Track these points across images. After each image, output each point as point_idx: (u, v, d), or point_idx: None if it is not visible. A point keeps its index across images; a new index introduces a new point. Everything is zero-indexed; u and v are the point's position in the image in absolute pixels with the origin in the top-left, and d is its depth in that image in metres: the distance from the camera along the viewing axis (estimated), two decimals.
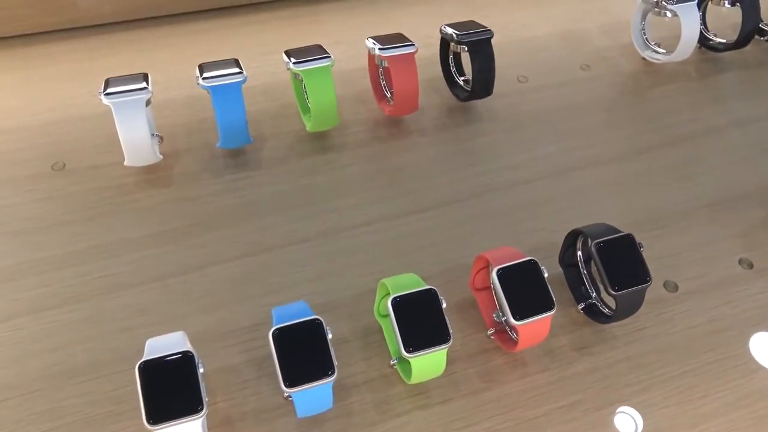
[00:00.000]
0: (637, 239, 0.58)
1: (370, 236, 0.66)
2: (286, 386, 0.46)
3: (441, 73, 0.81)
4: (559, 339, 0.59)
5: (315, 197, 0.69)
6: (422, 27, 0.83)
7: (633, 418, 0.55)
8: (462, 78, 0.79)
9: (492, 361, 0.57)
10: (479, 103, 0.80)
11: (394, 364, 0.54)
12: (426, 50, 0.82)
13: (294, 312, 0.50)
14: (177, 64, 0.80)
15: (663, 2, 0.80)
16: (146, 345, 0.47)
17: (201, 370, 0.46)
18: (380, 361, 0.56)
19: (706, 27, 0.89)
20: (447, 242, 0.66)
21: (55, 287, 0.59)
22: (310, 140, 0.74)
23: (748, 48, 0.88)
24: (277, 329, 0.48)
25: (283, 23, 0.89)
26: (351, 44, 0.85)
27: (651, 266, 0.63)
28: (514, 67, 0.85)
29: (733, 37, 0.86)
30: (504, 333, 0.57)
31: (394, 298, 0.50)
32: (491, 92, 0.76)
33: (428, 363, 0.51)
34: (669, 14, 0.81)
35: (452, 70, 0.80)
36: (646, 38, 0.87)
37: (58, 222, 0.64)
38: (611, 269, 0.54)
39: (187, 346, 0.47)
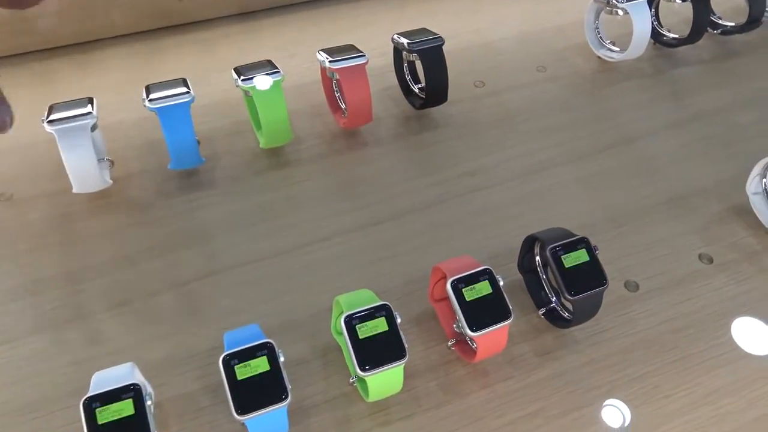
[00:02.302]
0: (593, 242, 0.57)
1: (329, 251, 0.65)
2: (238, 414, 0.45)
3: (396, 82, 0.80)
4: (521, 346, 0.59)
5: (271, 214, 0.68)
6: (377, 36, 0.83)
7: (621, 410, 0.55)
8: (418, 86, 0.79)
9: (454, 372, 0.57)
10: (435, 111, 0.79)
11: (353, 382, 0.53)
12: (382, 59, 0.82)
13: (246, 336, 0.49)
14: (128, 85, 0.78)
15: (614, 1, 0.80)
16: (92, 379, 0.46)
17: (149, 403, 0.45)
18: (340, 379, 0.55)
19: (659, 23, 0.89)
20: (407, 253, 0.65)
21: (1, 322, 0.58)
22: (266, 156, 0.73)
23: (701, 42, 0.88)
24: (227, 355, 0.47)
25: (236, 39, 0.88)
26: (305, 57, 0.84)
27: (611, 266, 0.63)
28: (470, 72, 0.85)
29: (687, 31, 0.86)
30: (464, 343, 0.56)
31: (347, 316, 0.49)
32: (446, 99, 0.75)
33: (385, 380, 0.50)
34: (620, 12, 0.82)
35: (407, 79, 0.79)
36: (600, 37, 0.87)
37: (6, 254, 0.62)
38: (567, 274, 0.54)
39: (135, 378, 0.46)
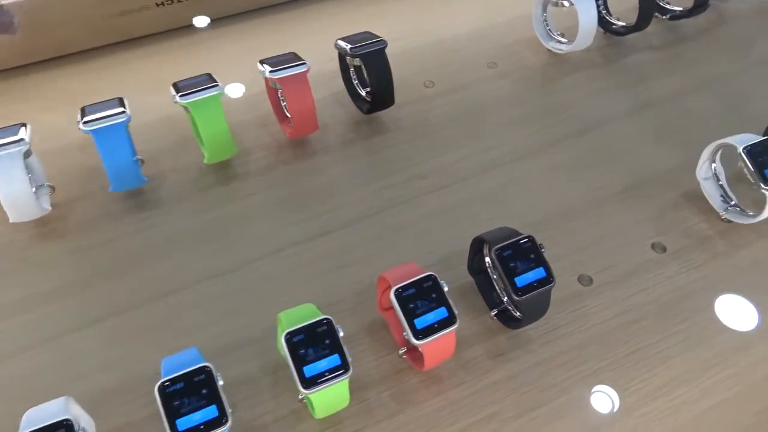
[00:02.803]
0: (547, 237, 0.57)
1: (280, 264, 0.64)
2: None
3: (345, 87, 0.79)
4: (475, 349, 0.58)
5: (220, 231, 0.67)
6: (325, 42, 0.81)
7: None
8: (365, 90, 0.78)
9: (406, 381, 0.56)
10: (385, 114, 0.78)
11: (302, 399, 0.52)
12: (330, 65, 0.81)
13: (184, 361, 0.48)
14: (65, 107, 0.77)
15: None
16: (23, 417, 0.45)
17: None
18: (290, 397, 0.54)
19: (608, 12, 0.89)
20: (359, 261, 0.64)
21: None
22: (213, 171, 0.72)
23: (650, 28, 0.88)
24: (163, 382, 0.46)
25: (179, 53, 0.86)
26: (251, 68, 0.83)
27: (564, 262, 0.63)
28: (419, 73, 0.84)
29: (635, 19, 0.86)
30: (415, 351, 0.55)
31: (287, 334, 0.48)
32: (393, 102, 0.75)
33: (330, 396, 0.49)
34: (566, 3, 0.81)
35: (355, 83, 0.78)
36: (549, 30, 0.87)
37: None
38: (512, 274, 0.53)
39: (70, 413, 0.45)
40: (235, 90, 0.81)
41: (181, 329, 0.59)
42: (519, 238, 0.55)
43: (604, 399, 0.55)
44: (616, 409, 0.54)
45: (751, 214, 0.65)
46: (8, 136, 0.60)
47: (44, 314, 0.59)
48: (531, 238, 0.55)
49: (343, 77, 0.79)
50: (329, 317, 0.50)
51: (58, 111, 0.77)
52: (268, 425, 0.53)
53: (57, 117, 0.76)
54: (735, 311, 0.60)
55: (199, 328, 0.59)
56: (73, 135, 0.74)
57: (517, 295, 0.53)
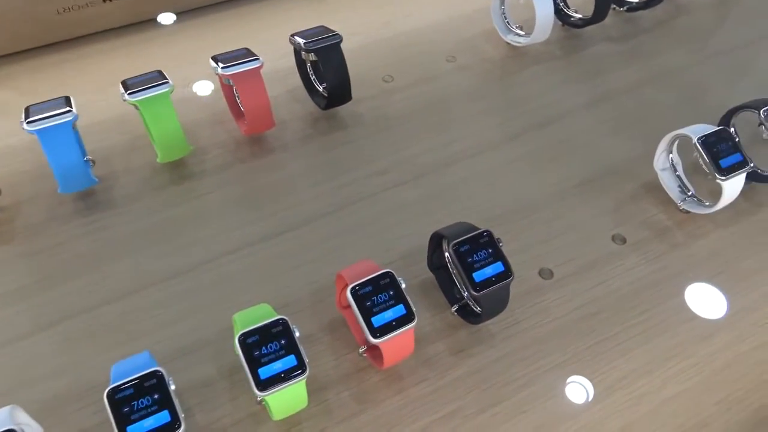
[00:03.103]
0: (507, 230, 0.56)
1: (235, 265, 0.63)
2: None
3: (302, 83, 0.78)
4: (436, 345, 0.57)
5: (174, 231, 0.65)
6: (280, 37, 0.80)
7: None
8: (323, 85, 0.77)
9: (367, 380, 0.55)
10: (344, 109, 0.77)
11: (261, 401, 0.51)
12: (285, 60, 0.80)
13: (135, 365, 0.46)
14: (11, 106, 0.74)
15: None
16: None
17: None
18: (248, 399, 0.53)
19: (566, 4, 0.89)
20: (316, 260, 0.63)
21: None
22: (167, 171, 0.70)
23: (608, 20, 0.88)
24: (111, 389, 0.44)
25: (131, 50, 0.84)
26: (205, 64, 0.81)
27: (524, 255, 0.63)
28: (378, 67, 0.83)
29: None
30: (375, 349, 0.54)
31: (241, 335, 0.47)
32: (350, 97, 0.74)
33: (287, 398, 0.48)
34: None
35: (312, 78, 0.77)
36: (507, 22, 0.86)
37: None
38: (470, 270, 0.53)
39: (15, 422, 0.43)
40: (188, 88, 0.79)
41: (135, 332, 0.58)
42: (476, 232, 0.54)
43: (570, 391, 0.54)
44: (581, 402, 0.54)
45: (707, 204, 0.66)
46: None
47: None
48: (488, 233, 0.54)
49: (299, 73, 0.78)
50: (284, 317, 0.49)
51: (3, 111, 0.74)
52: (226, 429, 0.52)
53: (1, 118, 0.73)
54: (698, 300, 0.60)
55: (154, 331, 0.58)
56: (19, 136, 0.72)
57: (476, 291, 0.52)
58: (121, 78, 0.66)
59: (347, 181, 0.70)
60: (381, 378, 0.55)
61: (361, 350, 0.55)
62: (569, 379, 0.55)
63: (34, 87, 0.79)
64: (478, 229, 0.55)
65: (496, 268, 0.53)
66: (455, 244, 0.53)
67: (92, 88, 0.78)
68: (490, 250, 0.54)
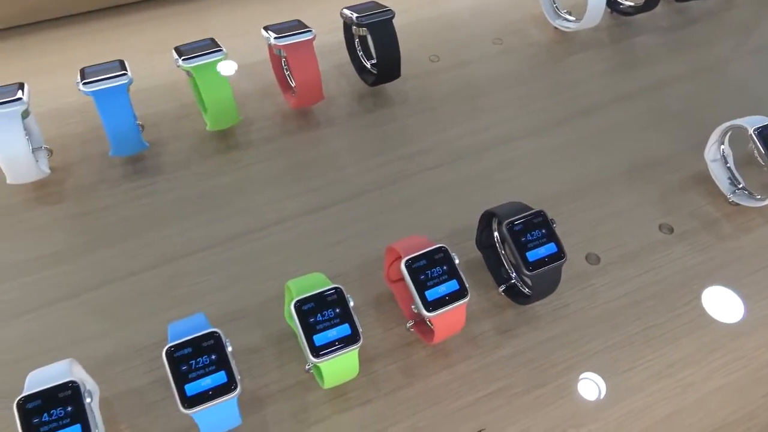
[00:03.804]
0: (552, 214, 0.56)
1: (281, 236, 0.63)
2: (184, 407, 0.43)
3: (349, 59, 0.78)
4: (482, 324, 0.57)
5: (221, 199, 0.65)
6: (329, 12, 0.80)
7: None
8: (370, 61, 0.76)
9: (414, 354, 0.55)
10: (390, 87, 0.77)
11: (309, 369, 0.51)
12: (333, 36, 0.80)
13: (191, 326, 0.47)
14: (64, 69, 0.74)
15: None
16: (27, 379, 0.44)
17: (89, 400, 0.42)
18: (296, 366, 0.54)
19: None
20: (362, 235, 0.63)
21: None
22: (214, 140, 0.70)
23: (658, 9, 0.87)
24: (170, 346, 0.44)
25: (180, 18, 0.84)
26: (254, 36, 0.81)
27: (572, 240, 0.62)
28: (424, 46, 0.83)
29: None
30: (423, 324, 0.55)
31: (297, 302, 0.47)
32: (399, 74, 0.73)
33: (340, 366, 0.48)
34: None
35: (360, 55, 0.77)
36: (556, 7, 0.86)
37: None
38: (524, 249, 0.52)
39: (74, 375, 0.43)
40: (237, 59, 0.79)
41: (180, 297, 0.58)
42: (530, 212, 0.54)
43: (615, 376, 0.54)
44: (626, 387, 0.54)
45: (759, 197, 0.65)
46: (6, 96, 0.58)
47: (43, 278, 0.58)
48: (542, 213, 0.54)
49: (347, 48, 0.77)
50: (340, 286, 0.49)
51: (57, 73, 0.75)
52: (274, 394, 0.52)
53: (55, 79, 0.74)
54: (739, 296, 0.60)
55: (200, 297, 0.58)
56: (71, 98, 0.72)
57: (528, 270, 0.52)
58: (170, 45, 0.66)
59: (392, 158, 0.70)
60: (427, 353, 0.55)
61: (408, 324, 0.55)
62: (614, 365, 0.55)
63: (87, 51, 0.79)
64: (532, 209, 0.55)
65: (550, 248, 0.53)
66: (509, 223, 0.53)
67: (141, 55, 0.78)
68: (543, 231, 0.53)
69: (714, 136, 0.67)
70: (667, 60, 0.83)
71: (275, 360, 0.54)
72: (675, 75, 0.81)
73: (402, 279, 0.56)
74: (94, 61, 0.65)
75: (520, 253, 0.52)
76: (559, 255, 0.53)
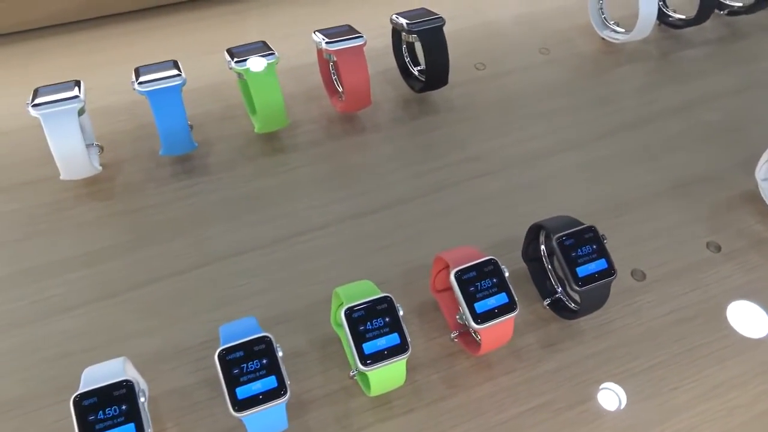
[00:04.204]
0: (600, 230, 0.55)
1: (325, 240, 0.63)
2: (234, 410, 0.43)
3: (395, 64, 0.78)
4: (526, 337, 0.57)
5: (266, 202, 0.66)
6: (375, 17, 0.80)
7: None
8: (417, 68, 0.76)
9: (456, 365, 0.55)
10: (436, 94, 0.77)
11: (353, 376, 0.52)
12: (379, 41, 0.80)
13: (242, 329, 0.47)
14: (116, 67, 0.76)
15: None
16: (82, 375, 0.44)
17: (142, 399, 0.43)
18: (340, 372, 0.54)
19: (665, 3, 0.87)
20: (406, 242, 0.63)
21: None
22: (260, 142, 0.71)
23: (707, 23, 0.86)
24: (223, 349, 0.45)
25: (228, 20, 0.85)
26: (302, 38, 0.81)
27: (616, 255, 0.61)
28: (470, 54, 0.82)
29: (693, 12, 0.84)
30: (468, 335, 0.55)
31: (348, 309, 0.47)
32: (447, 82, 0.73)
33: (387, 375, 0.48)
34: None
35: (406, 61, 0.77)
36: (604, 18, 0.85)
37: None
38: (574, 264, 0.52)
39: (127, 374, 0.44)
40: (283, 61, 0.79)
41: (225, 299, 0.58)
42: (581, 227, 0.54)
43: (660, 395, 0.54)
44: (670, 407, 0.53)
45: None
46: (63, 93, 0.59)
47: (90, 274, 0.59)
48: (593, 228, 0.54)
49: (395, 54, 0.77)
50: (389, 295, 0.49)
51: (106, 70, 0.76)
52: (318, 399, 0.52)
53: (105, 76, 0.75)
54: None
55: (243, 299, 0.58)
56: (120, 95, 0.73)
57: (578, 286, 0.52)
58: (216, 47, 0.67)
59: (437, 166, 0.70)
60: (471, 364, 0.55)
61: (453, 335, 0.55)
62: (659, 383, 0.55)
63: (133, 50, 0.80)
64: (582, 223, 0.54)
65: (600, 264, 0.53)
66: (559, 237, 0.53)
67: (187, 55, 0.79)
68: (594, 246, 0.53)
69: (766, 155, 0.66)
70: (717, 74, 0.82)
71: (319, 365, 0.54)
72: (725, 90, 0.80)
73: (448, 289, 0.56)
74: (142, 60, 0.66)
75: (569, 268, 0.52)
76: (609, 272, 0.53)
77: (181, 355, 0.54)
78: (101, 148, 0.66)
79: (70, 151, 0.58)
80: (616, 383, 0.54)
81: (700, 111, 0.78)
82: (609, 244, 0.61)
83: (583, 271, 0.52)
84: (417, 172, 0.69)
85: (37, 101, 0.58)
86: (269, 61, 0.63)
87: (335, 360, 0.54)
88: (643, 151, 0.73)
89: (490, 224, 0.65)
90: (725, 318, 0.59)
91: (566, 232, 0.53)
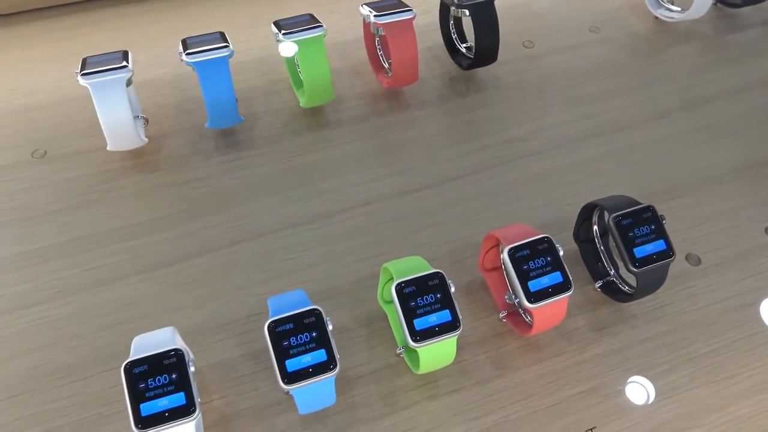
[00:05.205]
0: (658, 211, 0.53)
1: (371, 217, 0.62)
2: (284, 383, 0.43)
3: (441, 41, 0.76)
4: (576, 320, 0.56)
5: (311, 177, 0.65)
6: None
7: (644, 387, 0.52)
8: (464, 45, 0.75)
9: (504, 346, 0.54)
10: (483, 71, 0.75)
11: (400, 353, 0.51)
12: (424, 17, 0.78)
13: (291, 302, 0.46)
14: (162, 40, 0.76)
15: None
16: (132, 343, 0.44)
17: (192, 369, 0.43)
18: (385, 350, 0.53)
19: None
20: (452, 221, 0.62)
21: (38, 282, 0.56)
22: (305, 117, 0.70)
23: (765, 3, 0.82)
24: (273, 321, 0.44)
25: None
26: (346, 13, 0.80)
27: (672, 239, 0.60)
28: (518, 32, 0.80)
29: None
30: (517, 316, 0.53)
31: (399, 284, 0.46)
32: (496, 59, 0.71)
33: (437, 352, 0.47)
34: None
35: (453, 37, 0.75)
36: None
37: (40, 213, 0.60)
38: (631, 244, 0.50)
39: (177, 343, 0.44)
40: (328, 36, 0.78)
41: (271, 272, 0.58)
42: (639, 207, 0.52)
43: (715, 382, 0.52)
44: (726, 394, 0.51)
45: None
46: (112, 63, 0.58)
47: (137, 245, 0.59)
48: (652, 208, 0.52)
49: (441, 30, 0.76)
50: (441, 271, 0.48)
51: (150, 44, 0.76)
52: (364, 376, 0.51)
53: (149, 49, 0.75)
54: None
55: (289, 273, 0.58)
56: (165, 69, 0.73)
57: (635, 267, 0.50)
58: (258, 21, 0.66)
59: (484, 144, 0.68)
60: (519, 345, 0.54)
61: (501, 315, 0.54)
62: (716, 369, 0.53)
63: (182, 23, 0.80)
64: (641, 203, 0.52)
65: (658, 245, 0.51)
66: (616, 216, 0.51)
67: (232, 28, 0.78)
68: (653, 227, 0.51)
69: None
70: None
71: (365, 341, 0.54)
72: None
73: (497, 268, 0.55)
74: (186, 34, 0.65)
75: (627, 248, 0.50)
76: (668, 253, 0.51)
77: (227, 328, 0.54)
78: (146, 121, 0.66)
79: (117, 121, 0.58)
80: (669, 369, 0.53)
81: (758, 93, 0.75)
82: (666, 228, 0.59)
83: (640, 251, 0.50)
84: (464, 150, 0.68)
85: (85, 71, 0.58)
86: (317, 34, 0.62)
87: (381, 337, 0.53)
88: (699, 133, 0.71)
89: (539, 205, 0.64)
90: (762, 305, 0.57)
91: (623, 211, 0.51)
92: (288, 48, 0.62)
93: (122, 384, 0.42)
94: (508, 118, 0.71)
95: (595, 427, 0.49)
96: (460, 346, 0.53)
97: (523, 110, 0.72)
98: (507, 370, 0.53)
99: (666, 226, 0.54)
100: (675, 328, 0.55)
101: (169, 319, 0.54)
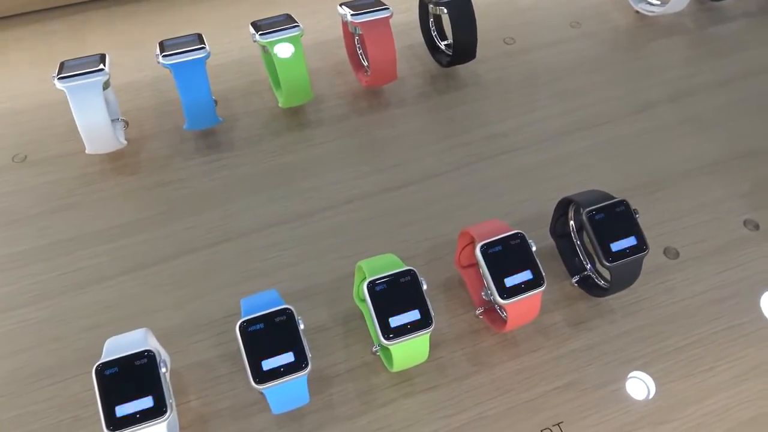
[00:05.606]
0: (633, 205, 0.54)
1: (351, 215, 0.62)
2: (255, 383, 0.43)
3: (422, 39, 0.76)
4: (553, 315, 0.56)
5: (291, 177, 0.65)
6: None
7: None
8: (444, 42, 0.75)
9: (481, 342, 0.54)
10: (463, 69, 0.75)
11: (376, 351, 0.51)
12: (405, 15, 0.78)
13: (264, 301, 0.46)
14: (141, 43, 0.76)
15: None
16: (105, 345, 0.44)
17: (164, 370, 0.43)
18: (362, 348, 0.53)
19: None
20: (432, 217, 0.62)
21: (19, 285, 0.56)
22: (285, 117, 0.70)
23: None
24: (244, 321, 0.44)
25: None
26: (328, 13, 0.80)
27: (650, 232, 0.60)
28: (499, 28, 0.81)
29: None
30: (493, 312, 0.54)
31: (370, 282, 0.46)
32: (475, 55, 0.71)
33: (410, 350, 0.47)
34: None
35: (433, 35, 0.75)
36: None
37: (20, 217, 0.61)
38: (605, 239, 0.50)
39: (150, 345, 0.44)
40: (309, 36, 0.78)
41: (251, 272, 0.58)
42: (612, 201, 0.52)
43: (693, 375, 0.52)
44: (704, 387, 0.51)
45: None
46: (88, 66, 0.59)
47: (117, 248, 0.59)
48: (625, 202, 0.52)
49: (421, 27, 0.76)
50: (413, 269, 0.48)
51: (130, 47, 0.76)
52: (341, 374, 0.52)
53: (129, 53, 0.75)
54: None
55: (269, 273, 0.58)
56: (144, 72, 0.73)
57: (608, 261, 0.50)
58: (238, 22, 0.66)
59: (465, 141, 0.69)
60: (496, 341, 0.54)
61: (478, 311, 0.54)
62: (694, 362, 0.53)
63: (158, 26, 0.80)
64: (615, 197, 0.52)
65: (631, 240, 0.51)
66: (590, 211, 0.51)
67: (210, 32, 0.78)
68: (625, 221, 0.51)
69: None
70: (757, 48, 0.79)
71: (341, 340, 0.54)
72: (764, 64, 0.77)
73: (473, 264, 0.55)
74: (165, 37, 0.65)
75: (600, 242, 0.50)
76: (641, 247, 0.51)
77: (206, 329, 0.54)
78: (126, 123, 0.66)
79: (94, 124, 0.58)
80: (647, 362, 0.53)
81: (740, 85, 0.75)
82: (643, 221, 0.59)
83: (614, 246, 0.50)
84: (444, 147, 0.68)
85: (62, 74, 0.58)
86: (293, 34, 0.62)
87: (358, 335, 0.54)
88: (682, 126, 0.71)
89: (520, 200, 0.64)
90: (762, 298, 0.57)
91: (596, 206, 0.51)
92: (285, 49, 0.62)
93: (94, 386, 0.42)
94: (490, 114, 0.71)
95: (562, 422, 0.49)
96: (437, 343, 0.54)
97: (505, 106, 0.72)
98: (484, 366, 0.53)
99: (640, 220, 0.54)
100: (652, 322, 0.55)
101: (149, 320, 0.54)
